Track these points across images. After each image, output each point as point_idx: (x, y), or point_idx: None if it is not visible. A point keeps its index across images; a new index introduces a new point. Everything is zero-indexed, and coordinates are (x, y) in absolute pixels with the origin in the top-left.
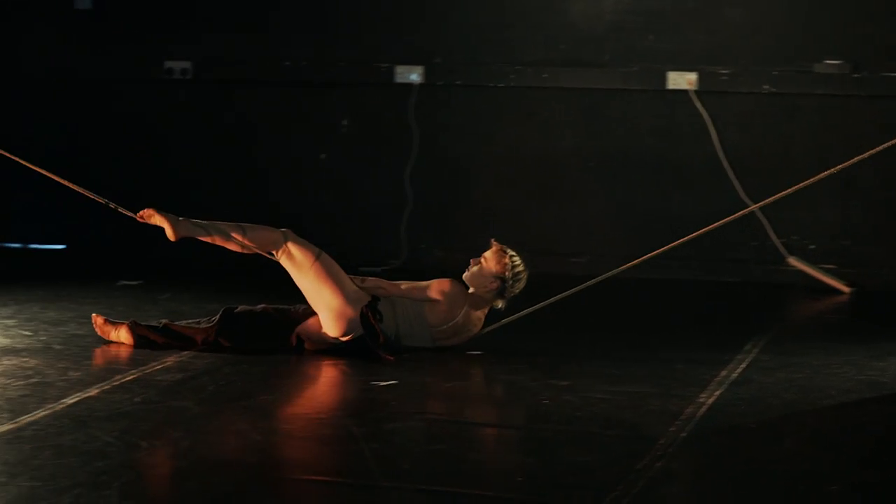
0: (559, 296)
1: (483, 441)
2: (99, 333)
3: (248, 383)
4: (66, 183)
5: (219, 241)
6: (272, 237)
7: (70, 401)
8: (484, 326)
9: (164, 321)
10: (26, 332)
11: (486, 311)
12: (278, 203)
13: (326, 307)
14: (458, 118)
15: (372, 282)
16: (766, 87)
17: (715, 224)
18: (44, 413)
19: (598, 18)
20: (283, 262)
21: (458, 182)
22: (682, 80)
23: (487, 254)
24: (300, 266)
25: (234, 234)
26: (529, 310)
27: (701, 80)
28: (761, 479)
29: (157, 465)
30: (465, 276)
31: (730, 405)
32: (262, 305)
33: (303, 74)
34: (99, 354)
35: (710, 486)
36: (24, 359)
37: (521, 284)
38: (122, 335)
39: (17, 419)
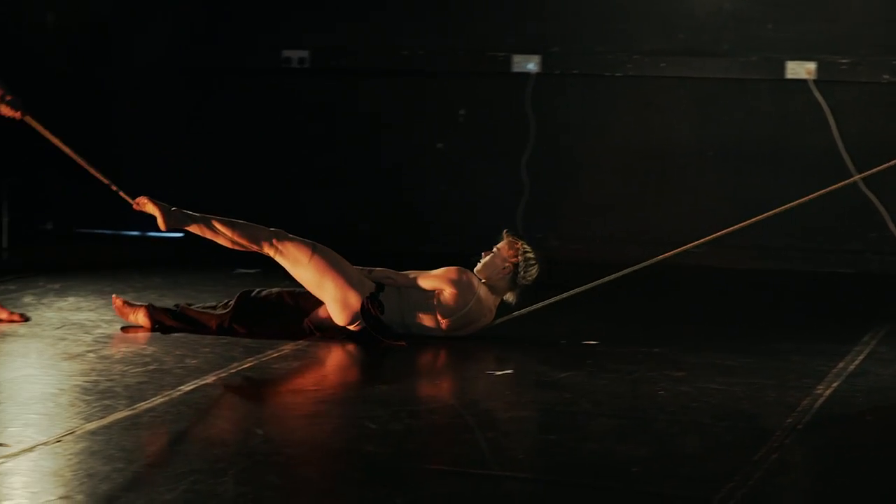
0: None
1: (597, 431)
2: (117, 314)
3: (363, 372)
4: (80, 161)
5: (208, 234)
6: (262, 234)
7: (187, 388)
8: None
9: (180, 304)
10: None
11: (497, 300)
12: (394, 191)
13: (331, 297)
14: (575, 107)
15: (379, 272)
16: (885, 76)
17: (796, 202)
18: (161, 400)
19: (716, 7)
20: (278, 258)
21: (575, 171)
22: (800, 69)
23: (500, 244)
24: (297, 261)
25: (221, 228)
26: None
27: (820, 69)
28: (878, 471)
29: (273, 453)
30: (477, 267)
31: (847, 397)
32: (278, 290)
33: (420, 64)
34: (216, 342)
35: (826, 478)
36: (142, 346)
37: (533, 272)
38: (139, 318)
39: (135, 406)
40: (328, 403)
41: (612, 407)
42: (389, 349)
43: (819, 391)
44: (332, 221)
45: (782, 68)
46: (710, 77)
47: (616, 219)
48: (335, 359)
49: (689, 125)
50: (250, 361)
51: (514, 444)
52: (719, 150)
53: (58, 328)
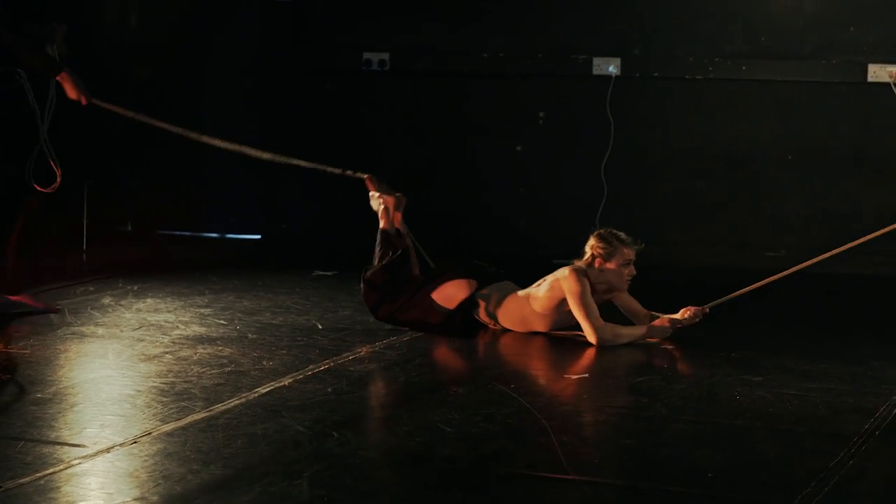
0: (752, 286)
1: (673, 436)
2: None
3: (438, 375)
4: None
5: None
6: None
7: (263, 390)
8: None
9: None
10: (221, 321)
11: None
12: (473, 194)
13: None
14: (655, 110)
15: None
16: None
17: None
18: (237, 402)
19: (798, 10)
20: None
21: (654, 175)
22: (883, 72)
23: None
24: None
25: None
26: (723, 299)
27: None
28: None
29: (348, 456)
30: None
31: None
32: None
33: (500, 66)
34: (292, 344)
35: None
36: (219, 348)
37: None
38: None
39: (211, 407)
40: (403, 406)
41: (689, 412)
42: (471, 350)
43: None
44: (410, 224)
45: (864, 71)
46: (791, 80)
47: (695, 222)
48: (411, 362)
49: (769, 128)
50: (326, 364)
51: (590, 449)
52: (800, 152)
53: (136, 329)
